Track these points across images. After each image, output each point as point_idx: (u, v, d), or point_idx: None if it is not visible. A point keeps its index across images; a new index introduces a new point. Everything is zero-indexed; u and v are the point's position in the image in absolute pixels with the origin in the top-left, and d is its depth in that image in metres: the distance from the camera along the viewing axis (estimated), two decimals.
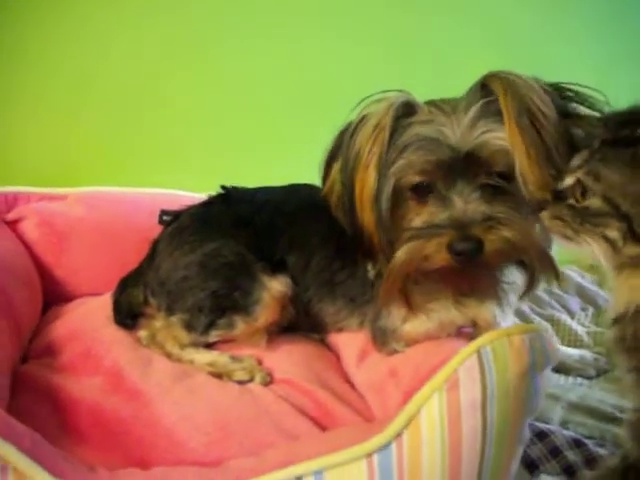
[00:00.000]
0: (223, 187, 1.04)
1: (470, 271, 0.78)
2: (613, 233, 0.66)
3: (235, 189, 1.04)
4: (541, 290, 1.27)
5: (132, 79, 1.25)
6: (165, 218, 1.08)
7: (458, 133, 0.75)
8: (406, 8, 1.30)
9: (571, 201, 0.69)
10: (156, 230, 1.05)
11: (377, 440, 0.67)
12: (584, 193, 0.67)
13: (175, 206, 1.06)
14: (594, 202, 0.67)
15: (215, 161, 1.30)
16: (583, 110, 0.78)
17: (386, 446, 0.66)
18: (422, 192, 0.78)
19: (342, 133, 0.82)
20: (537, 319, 1.21)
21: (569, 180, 0.69)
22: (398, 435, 0.67)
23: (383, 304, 0.85)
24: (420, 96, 0.81)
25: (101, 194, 1.15)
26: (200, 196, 1.11)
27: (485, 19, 1.33)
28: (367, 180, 0.79)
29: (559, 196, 0.71)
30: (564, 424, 0.97)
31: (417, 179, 0.77)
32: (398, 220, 0.80)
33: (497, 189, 0.76)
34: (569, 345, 1.15)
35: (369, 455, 0.66)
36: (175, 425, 0.79)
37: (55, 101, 1.25)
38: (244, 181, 1.05)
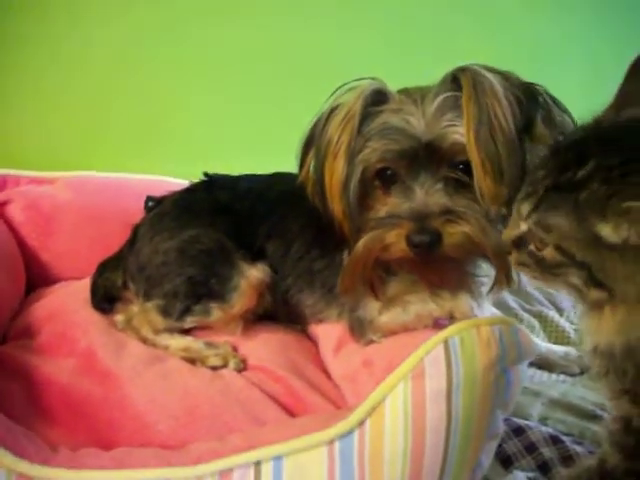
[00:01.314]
0: (206, 174, 1.04)
1: (434, 263, 0.77)
2: (575, 280, 0.61)
3: (218, 176, 1.04)
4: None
5: (119, 66, 1.26)
6: (150, 204, 1.08)
7: (423, 123, 0.75)
8: (397, 8, 1.29)
9: (532, 247, 0.63)
10: (142, 216, 1.05)
11: (339, 427, 0.66)
12: (541, 241, 0.62)
13: (162, 192, 1.06)
14: (549, 252, 0.61)
15: (202, 148, 1.30)
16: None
17: (348, 433, 0.66)
18: (388, 182, 0.78)
19: (317, 121, 0.82)
20: (525, 315, 1.20)
21: (523, 227, 0.63)
22: (361, 423, 0.66)
23: (344, 292, 0.85)
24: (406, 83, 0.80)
25: (88, 179, 1.16)
26: (187, 183, 1.11)
27: (482, 12, 1.32)
28: (336, 169, 0.79)
29: (520, 242, 0.65)
30: (543, 420, 0.96)
31: (381, 166, 0.77)
32: (366, 209, 0.80)
33: (460, 182, 0.76)
34: (556, 342, 1.14)
35: (330, 442, 0.65)
36: (144, 408, 0.79)
37: (45, 86, 1.26)
38: (230, 168, 1.05)
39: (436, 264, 0.77)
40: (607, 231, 0.56)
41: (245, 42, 1.27)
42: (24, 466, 0.62)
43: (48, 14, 1.21)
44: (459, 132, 0.73)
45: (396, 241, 0.75)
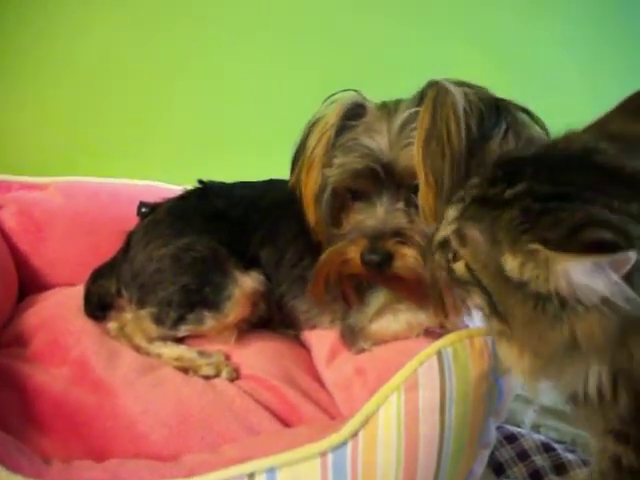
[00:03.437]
0: (200, 181, 1.04)
1: (395, 281, 0.77)
2: (480, 302, 0.56)
3: (212, 184, 1.03)
4: None
5: (113, 71, 1.25)
6: (143, 210, 1.07)
7: (386, 141, 0.75)
8: (389, 12, 1.29)
9: (450, 255, 0.58)
10: (134, 222, 1.04)
11: (332, 439, 0.66)
12: (455, 253, 0.57)
13: (154, 198, 1.06)
14: (459, 267, 0.57)
15: (195, 154, 1.30)
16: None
17: (341, 445, 0.66)
18: (356, 197, 0.79)
19: (304, 130, 0.83)
20: None
21: (442, 233, 0.59)
22: (354, 434, 0.67)
23: (315, 299, 0.87)
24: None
25: (80, 184, 1.15)
26: (179, 189, 1.11)
27: (470, 22, 1.32)
28: (310, 180, 0.80)
29: (444, 246, 0.59)
30: (536, 428, 0.97)
31: (347, 184, 0.78)
32: (337, 221, 0.81)
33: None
34: None
35: (323, 454, 0.66)
36: (137, 417, 0.79)
37: (37, 91, 1.25)
38: (224, 175, 1.05)
39: (396, 282, 0.77)
40: (511, 265, 0.51)
41: (241, 52, 1.27)
42: None
43: (37, 19, 1.20)
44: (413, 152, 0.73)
45: (354, 257, 0.76)
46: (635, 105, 0.58)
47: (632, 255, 0.45)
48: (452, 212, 0.58)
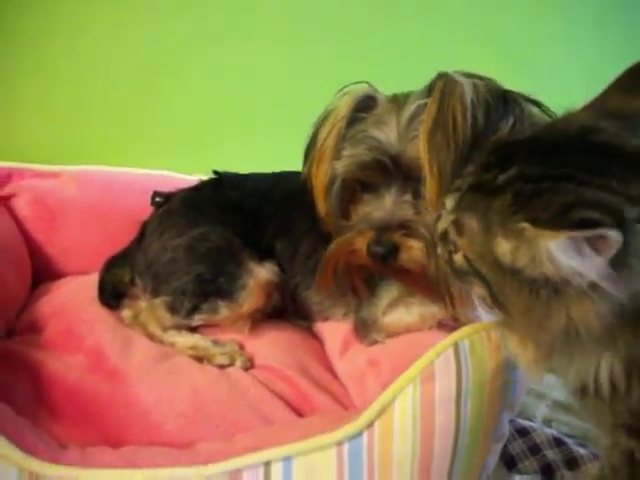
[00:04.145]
0: (215, 172, 1.04)
1: (402, 273, 0.77)
2: (482, 292, 0.55)
3: (226, 174, 1.03)
4: None
5: (129, 63, 1.24)
6: (157, 200, 1.07)
7: (395, 133, 0.75)
8: (392, 12, 1.28)
9: (451, 246, 0.57)
10: (147, 211, 1.05)
11: (348, 428, 0.66)
12: (454, 243, 0.56)
13: (168, 188, 1.06)
14: (458, 259, 0.55)
15: (209, 144, 1.29)
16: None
17: (357, 435, 0.66)
18: (366, 188, 0.79)
19: (316, 122, 0.83)
20: None
21: (443, 224, 0.57)
22: (370, 425, 0.67)
23: (322, 288, 0.88)
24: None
25: (94, 173, 1.15)
26: (193, 178, 1.11)
27: (474, 19, 1.32)
28: (320, 171, 0.81)
29: (445, 237, 0.58)
30: (547, 422, 0.97)
31: (356, 175, 0.78)
32: (347, 212, 0.82)
33: None
34: None
35: (340, 443, 0.66)
36: (152, 406, 0.79)
37: (54, 80, 1.24)
38: (238, 165, 1.05)
39: (404, 274, 0.77)
40: (504, 249, 0.49)
41: (254, 49, 1.26)
42: (35, 464, 0.62)
43: (52, 9, 1.20)
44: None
45: (361, 247, 0.76)
46: (631, 80, 0.56)
47: (613, 234, 0.43)
48: (450, 202, 0.57)
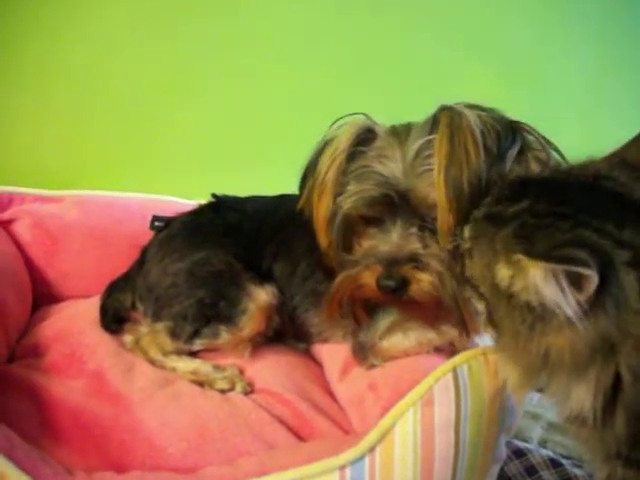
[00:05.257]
0: (214, 195, 1.05)
1: (410, 304, 0.78)
2: (480, 306, 0.61)
3: (225, 198, 1.05)
4: None
5: (131, 88, 1.26)
6: (157, 224, 1.09)
7: (401, 168, 0.75)
8: (398, 26, 1.30)
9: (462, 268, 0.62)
10: (147, 236, 1.06)
11: (350, 453, 0.68)
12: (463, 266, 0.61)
13: (167, 212, 1.08)
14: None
15: (209, 169, 1.30)
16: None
17: (359, 459, 0.67)
18: (370, 222, 0.80)
19: (314, 152, 0.83)
20: None
21: (464, 245, 0.62)
22: (372, 449, 0.68)
23: (327, 319, 0.89)
24: (412, 116, 0.80)
25: (93, 198, 1.16)
26: (192, 203, 1.12)
27: (483, 34, 1.33)
28: (322, 204, 0.81)
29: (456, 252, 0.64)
30: (543, 443, 0.98)
31: (363, 211, 0.79)
32: (350, 246, 0.82)
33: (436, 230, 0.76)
34: None
35: (342, 468, 0.67)
36: (155, 431, 0.80)
37: (55, 104, 1.25)
38: (237, 191, 1.06)
39: (411, 305, 0.78)
40: (503, 274, 0.54)
41: (254, 72, 1.28)
42: None
43: (53, 33, 1.22)
44: (432, 180, 0.73)
45: (368, 282, 0.77)
46: None
47: (590, 273, 0.47)
48: (467, 232, 0.62)
